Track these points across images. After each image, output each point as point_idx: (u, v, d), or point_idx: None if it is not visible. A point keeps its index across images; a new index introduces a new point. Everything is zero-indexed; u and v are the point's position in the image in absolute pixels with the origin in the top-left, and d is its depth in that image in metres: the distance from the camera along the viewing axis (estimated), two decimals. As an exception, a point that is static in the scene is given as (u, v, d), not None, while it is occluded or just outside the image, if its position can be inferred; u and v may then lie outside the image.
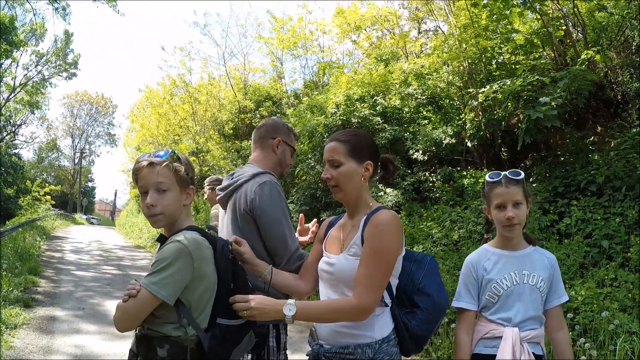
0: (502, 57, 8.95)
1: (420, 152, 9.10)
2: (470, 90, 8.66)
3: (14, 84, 34.20)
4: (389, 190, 8.97)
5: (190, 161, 1.99)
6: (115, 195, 62.13)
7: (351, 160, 2.00)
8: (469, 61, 9.23)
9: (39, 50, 35.37)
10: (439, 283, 2.08)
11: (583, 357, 4.02)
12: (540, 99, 6.47)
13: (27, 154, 60.07)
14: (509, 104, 7.37)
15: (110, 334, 6.10)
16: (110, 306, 7.51)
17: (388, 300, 1.96)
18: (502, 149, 8.75)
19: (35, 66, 35.92)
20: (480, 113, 8.56)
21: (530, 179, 7.35)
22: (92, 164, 62.42)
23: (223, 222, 2.64)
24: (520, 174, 2.20)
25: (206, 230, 1.99)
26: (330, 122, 10.08)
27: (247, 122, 16.84)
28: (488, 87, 7.22)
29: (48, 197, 29.03)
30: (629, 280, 4.79)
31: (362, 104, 10.23)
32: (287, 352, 2.56)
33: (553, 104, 6.32)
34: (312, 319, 1.96)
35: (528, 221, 2.31)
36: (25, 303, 7.22)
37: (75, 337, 5.96)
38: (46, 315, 6.87)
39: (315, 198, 9.92)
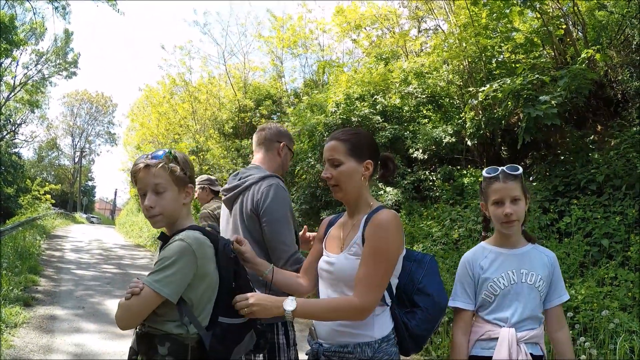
0: (502, 56, 8.95)
1: (420, 151, 9.11)
2: (470, 89, 8.66)
3: (14, 83, 34.21)
4: (389, 189, 8.97)
5: (189, 160, 1.99)
6: (115, 194, 62.22)
7: (351, 159, 1.99)
8: (469, 60, 9.22)
9: (39, 49, 35.38)
10: (439, 283, 2.08)
11: (583, 356, 4.02)
12: (540, 98, 6.47)
13: (27, 153, 60.10)
14: (509, 102, 7.37)
15: (111, 333, 6.11)
16: (111, 305, 7.52)
17: (388, 300, 1.95)
18: (502, 148, 8.75)
19: (35, 65, 35.94)
20: (480, 112, 8.55)
21: (530, 178, 7.35)
22: (92, 163, 62.53)
23: (228, 222, 2.67)
24: (518, 169, 2.14)
25: (208, 229, 2.01)
26: (330, 121, 10.08)
27: (247, 121, 16.83)
28: (488, 85, 7.22)
29: (48, 196, 29.00)
30: (629, 279, 4.79)
31: (362, 103, 10.22)
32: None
33: (553, 102, 6.32)
34: (311, 317, 1.96)
35: (527, 219, 2.25)
36: (25, 302, 7.23)
37: (76, 336, 5.97)
38: (46, 314, 6.87)
39: (315, 197, 9.92)
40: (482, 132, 8.40)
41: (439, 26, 12.29)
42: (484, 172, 2.21)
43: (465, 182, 8.23)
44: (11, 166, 33.99)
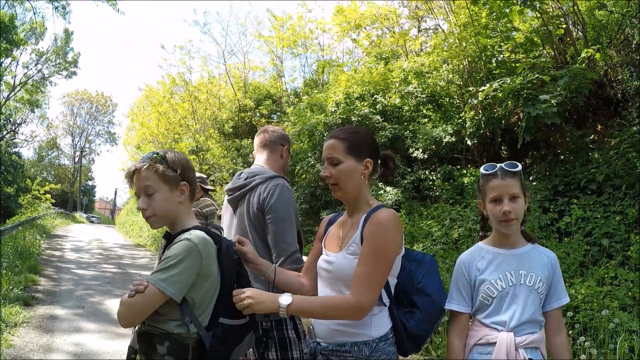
0: (502, 56, 8.95)
1: (420, 150, 9.11)
2: (470, 88, 8.66)
3: (14, 83, 34.19)
4: (389, 188, 8.98)
5: (183, 158, 1.98)
6: (115, 194, 62.09)
7: (350, 158, 1.97)
8: (469, 59, 9.22)
9: (39, 49, 35.33)
10: (439, 283, 2.06)
11: (583, 356, 4.01)
12: (540, 97, 6.47)
13: (27, 152, 59.99)
14: (509, 102, 7.37)
15: (111, 332, 6.10)
16: (111, 305, 7.52)
17: (386, 300, 1.94)
18: (502, 148, 8.75)
19: (35, 65, 35.91)
20: (480, 111, 8.55)
21: (531, 178, 7.35)
22: (92, 162, 62.50)
23: (231, 222, 2.71)
24: (517, 166, 2.05)
25: (211, 230, 2.01)
26: (330, 120, 10.08)
27: (247, 120, 16.85)
28: (488, 85, 7.22)
29: (48, 196, 28.98)
30: (629, 278, 4.79)
31: (362, 103, 10.23)
32: None
33: (553, 101, 6.32)
34: (307, 314, 1.95)
35: (527, 218, 2.17)
36: (25, 301, 7.22)
37: (75, 336, 5.96)
38: (46, 314, 6.87)
39: (315, 196, 9.92)
40: (482, 131, 8.40)
41: (439, 26, 12.30)
42: (481, 169, 2.12)
43: (465, 181, 8.23)
44: (11, 166, 34.00)
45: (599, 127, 7.67)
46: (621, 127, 6.98)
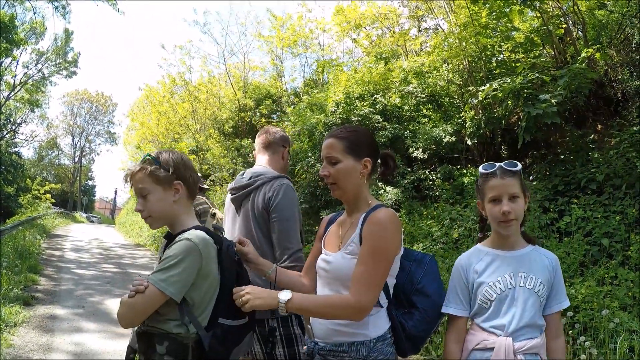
0: (502, 55, 8.94)
1: (420, 150, 9.11)
2: (470, 88, 8.66)
3: (14, 83, 34.20)
4: (389, 188, 8.98)
5: (177, 156, 1.99)
6: (115, 194, 62.04)
7: (349, 157, 1.96)
8: (469, 59, 9.22)
9: (39, 49, 35.34)
10: (439, 283, 2.04)
11: (583, 356, 4.01)
12: (540, 96, 6.47)
13: (27, 152, 59.96)
14: (509, 102, 7.37)
15: (111, 332, 6.10)
16: (110, 304, 7.52)
17: (384, 301, 1.92)
18: (502, 147, 8.75)
19: (35, 64, 35.92)
20: (480, 111, 8.55)
21: (531, 177, 7.35)
22: (92, 162, 62.47)
23: (234, 221, 2.76)
24: (516, 165, 2.00)
25: (213, 230, 2.02)
26: (330, 120, 10.08)
27: (247, 120, 16.84)
28: (488, 85, 7.21)
29: (48, 196, 28.99)
30: (629, 278, 4.79)
31: (362, 102, 10.23)
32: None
33: (553, 101, 6.32)
34: (306, 311, 1.95)
35: (527, 218, 2.10)
36: (25, 301, 7.22)
37: (75, 336, 5.96)
38: (46, 314, 6.87)
39: (315, 196, 9.92)
40: (482, 131, 8.40)
41: (439, 25, 12.30)
42: (480, 169, 2.06)
43: (465, 181, 8.23)
44: (11, 165, 34.00)
45: (599, 126, 7.67)
46: (621, 126, 6.98)
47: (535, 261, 1.99)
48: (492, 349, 1.90)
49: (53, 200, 32.04)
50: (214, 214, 5.16)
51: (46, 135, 53.72)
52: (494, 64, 8.92)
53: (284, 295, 1.82)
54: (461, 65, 9.69)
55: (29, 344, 5.47)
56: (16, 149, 40.42)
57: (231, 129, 17.42)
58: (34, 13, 20.41)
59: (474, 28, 8.51)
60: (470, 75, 9.36)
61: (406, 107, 10.24)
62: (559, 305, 1.99)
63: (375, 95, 10.48)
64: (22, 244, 12.25)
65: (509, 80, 6.95)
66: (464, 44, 8.91)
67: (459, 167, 8.90)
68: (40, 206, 27.36)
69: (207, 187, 6.91)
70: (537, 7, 7.70)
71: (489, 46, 8.69)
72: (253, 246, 2.53)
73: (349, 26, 13.87)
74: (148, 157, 1.94)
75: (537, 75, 6.81)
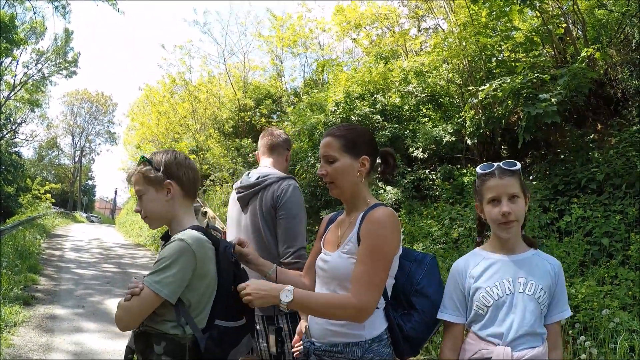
0: (502, 55, 8.94)
1: (420, 150, 9.11)
2: (470, 88, 8.65)
3: (14, 82, 34.19)
4: (389, 188, 8.98)
5: (171, 156, 1.98)
6: (116, 194, 62.04)
7: (346, 156, 1.94)
8: (469, 59, 9.22)
9: (39, 49, 35.31)
10: (439, 284, 2.00)
11: (583, 355, 4.01)
12: (540, 96, 6.47)
13: (28, 152, 59.96)
14: (509, 101, 7.37)
15: (111, 332, 6.10)
16: (111, 304, 7.52)
17: (381, 302, 1.88)
18: (502, 147, 8.74)
19: (36, 64, 35.89)
20: (480, 111, 8.55)
21: (531, 177, 7.35)
22: (92, 162, 62.46)
23: (239, 220, 2.82)
24: (515, 164, 1.91)
25: (210, 231, 2.01)
26: (330, 120, 10.08)
27: (247, 120, 16.83)
28: (488, 84, 7.21)
29: (48, 195, 28.99)
30: (629, 278, 4.79)
31: (362, 102, 10.23)
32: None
33: (553, 100, 6.32)
34: (308, 310, 1.93)
35: (527, 220, 2.01)
36: (25, 301, 7.22)
37: (75, 335, 5.96)
38: (46, 314, 6.87)
39: (315, 196, 9.92)
40: (482, 131, 8.40)
41: (439, 25, 12.29)
42: (478, 169, 1.98)
43: (465, 181, 8.23)
44: (11, 165, 34.01)
45: (599, 126, 7.66)
46: (621, 126, 6.97)
47: (537, 266, 1.89)
48: (489, 359, 1.80)
49: (53, 200, 32.04)
50: (205, 212, 5.17)
51: (46, 135, 53.80)
52: (494, 64, 8.92)
53: (285, 297, 1.79)
54: (461, 65, 9.68)
55: (28, 344, 5.47)
56: (16, 149, 40.45)
57: (231, 129, 17.42)
58: (34, 13, 20.45)
59: (474, 28, 8.51)
60: (470, 74, 9.36)
61: (406, 107, 10.24)
62: (560, 315, 1.89)
63: (375, 95, 10.48)
64: (22, 243, 12.25)
65: (508, 80, 6.95)
66: (464, 43, 8.91)
67: (459, 166, 8.90)
68: (40, 206, 27.38)
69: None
70: (537, 7, 7.69)
71: (488, 46, 8.69)
72: (260, 242, 2.63)
73: (349, 26, 13.85)
74: (142, 158, 1.97)
75: (537, 74, 6.81)
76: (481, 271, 1.91)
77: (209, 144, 16.88)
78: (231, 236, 2.86)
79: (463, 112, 9.05)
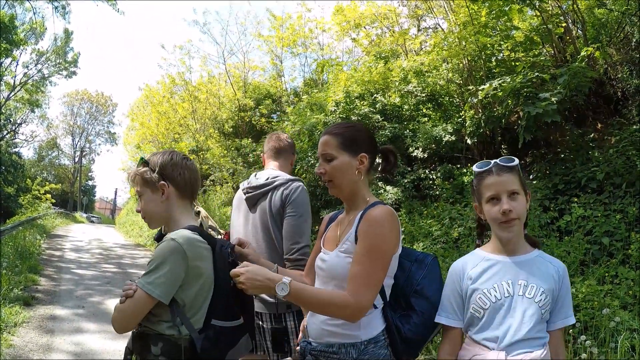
0: (501, 54, 8.92)
1: (420, 149, 9.10)
2: (470, 87, 8.65)
3: (14, 83, 34.21)
4: (389, 187, 8.98)
5: (167, 157, 1.99)
6: (116, 194, 62.10)
7: (344, 154, 1.92)
8: (469, 58, 9.20)
9: (38, 49, 35.32)
10: (439, 285, 1.95)
11: (584, 355, 4.01)
12: (540, 95, 6.47)
13: (28, 152, 60.05)
14: (509, 101, 7.36)
15: (111, 332, 6.09)
16: (111, 304, 7.51)
17: (378, 302, 1.86)
18: (502, 146, 8.73)
19: (35, 65, 35.91)
20: (480, 110, 8.55)
21: (531, 176, 7.34)
22: (92, 162, 62.53)
23: (247, 219, 2.89)
24: (513, 160, 1.82)
25: (208, 230, 2.02)
26: (330, 120, 10.08)
27: (247, 120, 16.83)
28: (488, 84, 7.21)
29: (48, 196, 28.93)
30: (629, 277, 4.79)
31: (362, 102, 10.23)
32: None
33: (553, 99, 6.31)
34: (302, 303, 1.91)
35: (528, 218, 1.92)
36: (25, 301, 7.22)
37: (75, 336, 5.96)
38: (46, 314, 6.86)
39: (315, 196, 9.90)
40: (482, 130, 8.39)
41: (439, 25, 12.28)
42: (474, 167, 1.90)
43: (465, 180, 8.22)
44: (11, 166, 34.03)
45: (599, 125, 7.66)
46: (621, 125, 6.97)
47: (539, 268, 1.79)
48: None
49: (53, 201, 31.98)
50: (199, 212, 5.16)
51: (46, 136, 53.82)
52: (494, 63, 8.90)
53: (281, 290, 1.75)
54: (461, 65, 9.67)
55: (29, 344, 5.47)
56: (16, 149, 40.50)
57: (231, 129, 17.42)
58: (34, 13, 20.46)
59: (474, 27, 8.50)
60: (470, 74, 9.35)
61: (406, 107, 10.23)
62: (563, 321, 1.79)
63: (375, 95, 10.48)
64: (22, 244, 12.24)
65: (508, 79, 6.95)
66: (464, 43, 8.89)
67: (459, 166, 8.90)
68: (40, 206, 27.34)
69: None
70: (537, 6, 7.69)
71: (488, 45, 8.68)
72: (269, 242, 2.71)
73: (349, 26, 13.84)
74: (141, 159, 2.00)
75: (536, 74, 6.81)
76: (480, 272, 1.83)
77: (209, 144, 16.87)
78: (236, 236, 2.87)
79: (463, 112, 9.05)
